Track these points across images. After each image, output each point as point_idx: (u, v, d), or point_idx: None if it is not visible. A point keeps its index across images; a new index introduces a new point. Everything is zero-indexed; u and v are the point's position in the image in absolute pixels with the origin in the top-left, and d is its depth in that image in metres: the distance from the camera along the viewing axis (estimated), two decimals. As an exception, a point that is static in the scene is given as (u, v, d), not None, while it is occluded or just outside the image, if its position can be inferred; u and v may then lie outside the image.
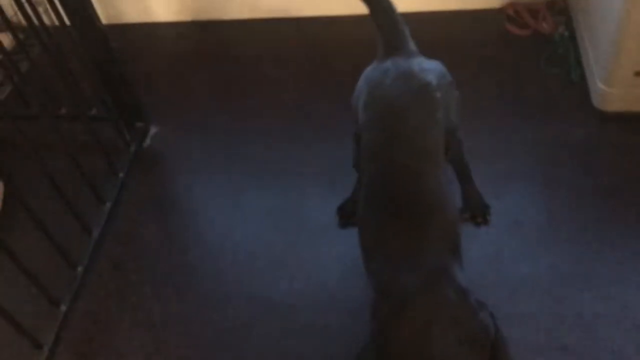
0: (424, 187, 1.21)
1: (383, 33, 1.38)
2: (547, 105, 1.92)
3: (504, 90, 1.99)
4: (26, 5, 1.54)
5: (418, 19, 2.26)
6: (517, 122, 1.88)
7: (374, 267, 1.22)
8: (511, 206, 1.67)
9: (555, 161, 1.76)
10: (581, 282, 1.49)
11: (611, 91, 1.77)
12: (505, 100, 1.96)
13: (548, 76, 2.00)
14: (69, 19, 1.67)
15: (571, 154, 1.77)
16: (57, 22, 1.66)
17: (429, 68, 1.33)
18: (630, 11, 1.58)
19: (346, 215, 1.64)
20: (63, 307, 1.51)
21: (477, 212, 1.61)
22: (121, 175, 1.81)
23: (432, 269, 1.14)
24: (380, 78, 1.31)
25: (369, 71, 1.38)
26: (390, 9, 1.38)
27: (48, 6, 1.61)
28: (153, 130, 2.00)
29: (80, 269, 1.58)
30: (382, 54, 1.38)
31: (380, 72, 1.33)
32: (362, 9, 1.43)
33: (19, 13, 1.54)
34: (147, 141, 1.97)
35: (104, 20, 2.50)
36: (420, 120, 1.25)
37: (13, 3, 1.52)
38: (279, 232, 1.70)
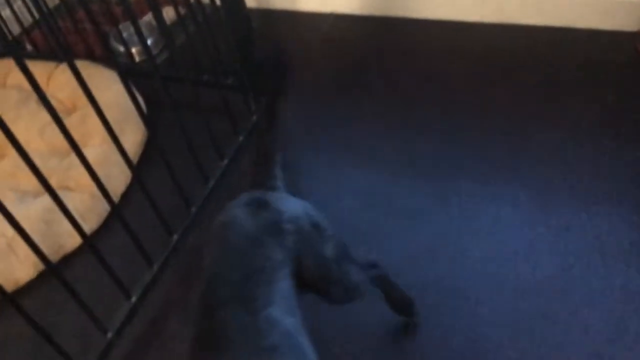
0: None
1: (257, 169, 1.34)
2: (661, 132, 1.88)
3: (623, 110, 1.98)
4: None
5: (553, 36, 2.32)
6: (628, 144, 1.87)
7: None
8: (598, 223, 1.69)
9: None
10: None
11: None
12: (621, 120, 1.95)
13: (671, 104, 1.96)
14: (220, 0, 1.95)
15: (674, 184, 1.74)
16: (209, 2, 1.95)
17: (289, 203, 1.26)
18: None
19: None
20: (175, 237, 1.80)
21: (404, 313, 1.54)
22: (241, 138, 2.07)
23: None
24: (233, 204, 1.24)
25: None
26: (272, 145, 1.35)
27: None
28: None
29: (193, 209, 1.86)
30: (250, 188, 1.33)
31: (237, 200, 1.25)
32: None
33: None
34: (270, 114, 2.22)
35: (254, 4, 2.83)
36: (257, 241, 1.14)
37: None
38: (367, 209, 1.87)
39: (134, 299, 1.67)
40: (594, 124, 1.96)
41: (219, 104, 2.01)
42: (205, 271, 1.14)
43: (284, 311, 1.05)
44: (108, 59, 2.18)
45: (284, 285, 1.10)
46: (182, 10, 1.99)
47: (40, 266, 1.84)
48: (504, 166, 1.90)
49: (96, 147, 2.10)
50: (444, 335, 1.53)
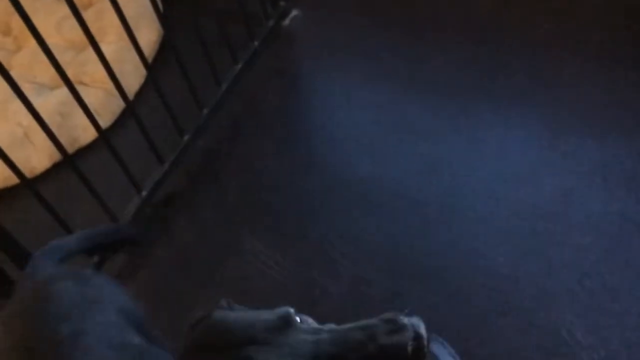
0: None
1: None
2: None
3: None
4: None
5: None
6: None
7: None
8: (604, 150, 1.70)
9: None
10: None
11: None
12: None
13: None
14: None
15: None
16: None
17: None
18: None
19: None
20: (186, 137, 1.84)
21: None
22: (256, 43, 2.06)
23: None
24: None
25: None
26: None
27: None
28: (294, 12, 2.22)
29: (205, 111, 1.89)
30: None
31: None
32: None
33: None
34: (286, 21, 2.20)
35: None
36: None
37: None
38: (377, 125, 1.89)
39: (144, 194, 1.73)
40: (612, 53, 1.92)
41: (236, 7, 1.99)
42: None
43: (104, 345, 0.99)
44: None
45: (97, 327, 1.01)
46: None
47: (56, 157, 1.90)
48: (517, 89, 1.89)
49: (111, 44, 2.10)
50: (442, 249, 1.59)
